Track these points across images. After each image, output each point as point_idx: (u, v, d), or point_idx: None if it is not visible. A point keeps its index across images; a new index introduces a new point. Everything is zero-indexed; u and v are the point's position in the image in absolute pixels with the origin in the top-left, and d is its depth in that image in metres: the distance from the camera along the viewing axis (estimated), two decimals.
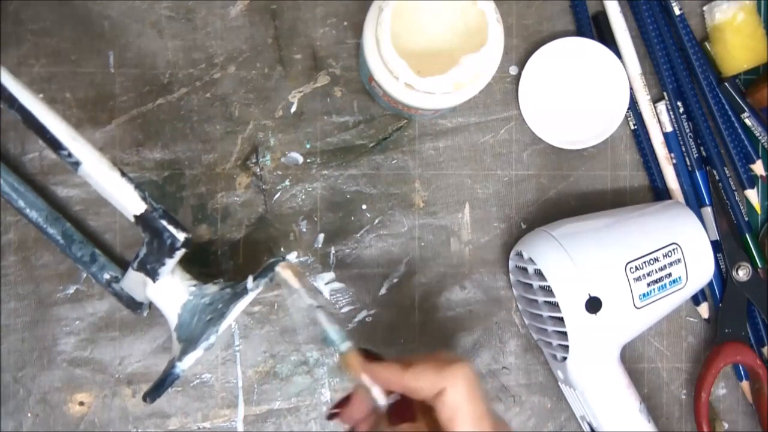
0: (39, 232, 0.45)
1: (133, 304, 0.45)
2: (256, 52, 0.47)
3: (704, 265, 0.45)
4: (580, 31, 0.49)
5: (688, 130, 0.49)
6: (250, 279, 0.40)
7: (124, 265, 0.46)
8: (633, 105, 0.50)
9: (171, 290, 0.41)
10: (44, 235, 0.45)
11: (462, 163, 0.49)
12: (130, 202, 0.38)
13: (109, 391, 0.47)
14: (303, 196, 0.48)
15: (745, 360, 0.49)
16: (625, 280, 0.43)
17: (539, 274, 0.44)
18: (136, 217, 0.38)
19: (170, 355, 0.41)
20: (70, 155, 0.37)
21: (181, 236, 0.38)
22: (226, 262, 0.48)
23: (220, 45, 0.47)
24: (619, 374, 0.46)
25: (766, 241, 0.50)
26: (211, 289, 0.41)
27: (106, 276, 0.44)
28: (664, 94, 0.50)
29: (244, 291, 0.40)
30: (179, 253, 0.38)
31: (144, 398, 0.40)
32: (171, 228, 0.38)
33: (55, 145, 0.37)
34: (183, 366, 0.39)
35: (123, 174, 0.38)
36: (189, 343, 0.40)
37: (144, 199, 0.38)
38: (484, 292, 0.49)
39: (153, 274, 0.39)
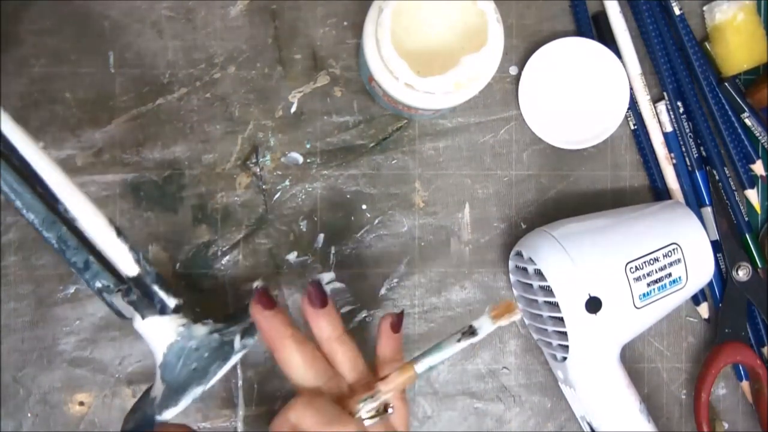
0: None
1: (123, 313, 0.45)
2: (256, 52, 0.47)
3: (704, 265, 0.45)
4: (580, 31, 0.49)
5: (688, 130, 0.49)
6: (237, 338, 0.40)
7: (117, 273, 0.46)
8: (633, 105, 0.50)
9: (159, 329, 0.40)
10: (41, 237, 0.45)
11: (462, 163, 0.49)
12: (124, 264, 0.38)
13: (109, 391, 0.47)
14: (303, 196, 0.48)
15: (745, 360, 0.49)
16: (625, 280, 0.43)
17: (539, 274, 0.44)
18: (128, 277, 0.38)
19: (152, 393, 0.41)
20: (66, 211, 0.38)
21: (172, 303, 0.39)
22: (227, 262, 0.48)
23: (220, 45, 0.47)
24: (619, 374, 0.46)
25: (766, 241, 0.50)
26: (200, 331, 0.41)
27: (98, 284, 0.44)
28: (664, 94, 0.50)
29: (231, 350, 0.40)
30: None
31: None
32: (162, 294, 0.39)
33: (52, 197, 0.38)
34: (162, 419, 0.39)
35: (119, 233, 0.38)
36: (172, 389, 0.39)
37: (138, 261, 0.38)
38: (484, 292, 0.49)
39: (141, 313, 0.40)
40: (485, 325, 0.36)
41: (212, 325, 0.41)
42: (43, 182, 0.37)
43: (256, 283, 0.42)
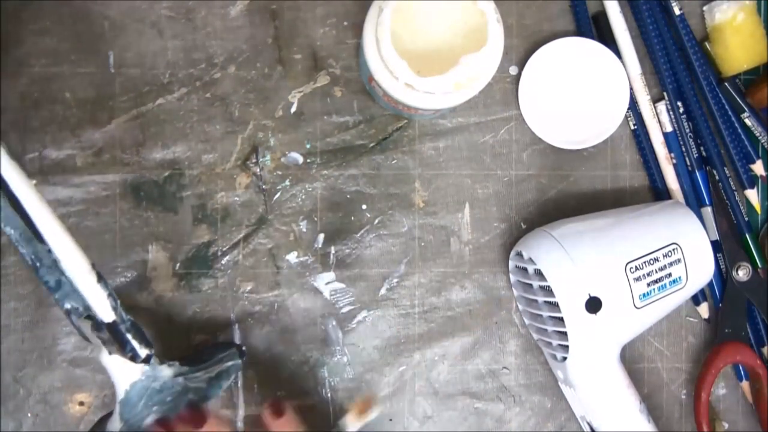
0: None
1: (90, 339, 0.45)
2: (256, 52, 0.47)
3: (704, 265, 0.45)
4: (580, 31, 0.49)
5: (688, 130, 0.49)
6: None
7: (112, 275, 0.46)
8: (633, 105, 0.50)
9: (124, 366, 0.40)
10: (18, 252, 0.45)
11: (462, 163, 0.49)
12: (100, 309, 0.38)
13: (109, 391, 0.47)
14: (303, 196, 0.48)
15: (745, 360, 0.49)
16: (625, 280, 0.43)
17: (539, 274, 0.44)
18: (103, 323, 0.39)
19: (109, 427, 0.41)
20: (50, 251, 0.38)
21: (143, 353, 0.39)
22: (227, 262, 0.48)
23: (220, 45, 0.47)
24: (619, 374, 0.46)
25: (766, 241, 0.50)
26: (165, 372, 0.41)
27: (68, 306, 0.43)
28: (664, 94, 0.50)
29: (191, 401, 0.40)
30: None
31: None
32: (135, 344, 0.39)
33: (37, 235, 0.38)
34: None
35: (100, 279, 0.38)
36: (130, 430, 0.39)
37: (115, 309, 0.38)
38: (484, 292, 0.49)
39: (109, 349, 0.40)
40: (350, 425, 0.38)
41: (178, 367, 0.41)
42: (30, 220, 0.38)
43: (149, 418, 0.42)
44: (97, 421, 0.43)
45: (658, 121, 0.50)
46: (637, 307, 0.44)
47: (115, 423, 0.40)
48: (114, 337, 0.39)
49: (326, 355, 0.48)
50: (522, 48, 0.49)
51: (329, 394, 0.48)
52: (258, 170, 0.48)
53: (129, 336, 0.39)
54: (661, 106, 0.50)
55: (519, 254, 0.46)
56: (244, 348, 0.45)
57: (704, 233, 0.45)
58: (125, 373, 0.40)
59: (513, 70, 0.49)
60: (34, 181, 0.39)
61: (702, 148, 0.50)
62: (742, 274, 0.50)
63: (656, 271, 0.44)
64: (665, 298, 0.45)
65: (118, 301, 0.39)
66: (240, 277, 0.48)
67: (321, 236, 0.48)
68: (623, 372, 0.46)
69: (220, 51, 0.47)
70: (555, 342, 0.45)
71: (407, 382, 0.49)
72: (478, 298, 0.49)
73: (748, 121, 0.49)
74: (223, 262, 0.47)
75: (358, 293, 0.48)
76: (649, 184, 0.51)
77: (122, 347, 0.39)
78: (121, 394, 0.41)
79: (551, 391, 0.50)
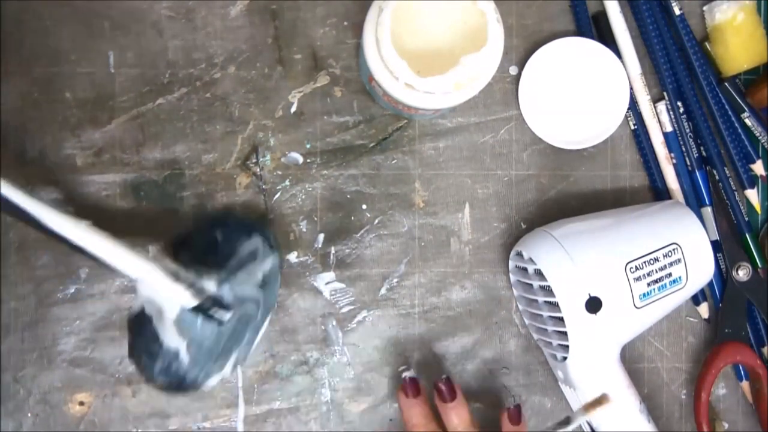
0: (39, 233, 0.45)
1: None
2: (256, 52, 0.47)
3: (704, 265, 0.45)
4: (580, 31, 0.49)
5: (688, 130, 0.49)
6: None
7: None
8: (633, 105, 0.50)
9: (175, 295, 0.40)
10: (40, 237, 0.44)
11: (462, 163, 0.49)
12: (183, 301, 0.39)
13: (109, 391, 0.47)
14: (303, 196, 0.48)
15: (745, 360, 0.49)
16: (625, 280, 0.43)
17: (539, 274, 0.44)
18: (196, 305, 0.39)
19: (167, 341, 0.40)
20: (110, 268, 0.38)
21: (225, 317, 0.40)
22: None
23: (220, 45, 0.47)
24: (619, 374, 0.46)
25: (766, 241, 0.50)
26: (209, 286, 0.40)
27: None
28: (664, 94, 0.50)
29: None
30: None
31: None
32: (220, 313, 0.40)
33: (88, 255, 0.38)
34: (209, 386, 0.41)
35: (176, 278, 0.39)
36: (200, 350, 0.40)
37: (195, 296, 0.39)
38: (484, 292, 0.49)
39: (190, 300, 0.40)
40: (578, 416, 0.41)
41: (216, 276, 0.41)
42: (75, 245, 0.38)
43: (406, 373, 0.46)
44: (139, 325, 0.42)
45: (658, 121, 0.50)
46: (637, 307, 0.44)
47: (172, 338, 0.40)
48: (204, 316, 0.40)
49: (326, 355, 0.48)
50: (522, 48, 0.49)
51: (329, 394, 0.48)
52: (258, 170, 0.48)
53: (212, 312, 0.40)
54: (661, 106, 0.50)
55: (519, 254, 0.46)
56: (267, 232, 0.44)
57: (704, 233, 0.45)
58: (177, 300, 0.40)
59: (513, 70, 0.49)
60: (87, 223, 0.39)
61: (702, 148, 0.50)
62: (742, 274, 0.50)
63: (656, 271, 0.44)
64: (665, 298, 0.45)
65: (195, 286, 0.39)
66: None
67: (321, 236, 0.48)
68: (623, 372, 0.46)
69: (220, 51, 0.47)
70: (555, 342, 0.45)
71: None
72: (478, 298, 0.49)
73: (748, 121, 0.49)
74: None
75: (358, 293, 0.48)
76: (649, 184, 0.51)
77: (207, 319, 0.40)
78: (170, 315, 0.40)
79: (551, 391, 0.50)
